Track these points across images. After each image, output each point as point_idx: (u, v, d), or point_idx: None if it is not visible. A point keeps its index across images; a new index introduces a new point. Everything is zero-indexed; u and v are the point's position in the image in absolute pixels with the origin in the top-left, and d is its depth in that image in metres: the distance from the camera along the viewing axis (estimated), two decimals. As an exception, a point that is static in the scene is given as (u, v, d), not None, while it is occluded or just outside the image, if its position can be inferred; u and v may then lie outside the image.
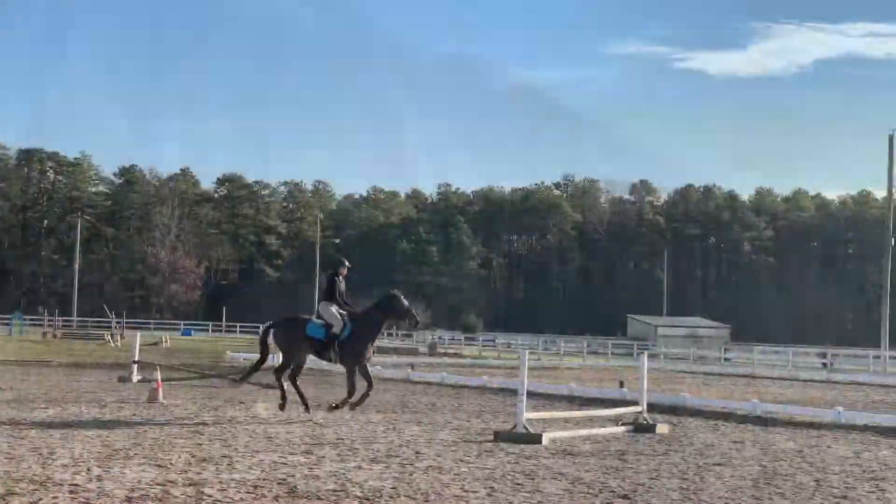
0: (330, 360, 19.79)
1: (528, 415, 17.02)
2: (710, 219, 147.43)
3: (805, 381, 44.75)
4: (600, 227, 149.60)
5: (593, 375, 42.35)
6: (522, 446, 15.77)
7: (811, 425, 21.27)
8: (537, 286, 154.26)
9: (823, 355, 62.94)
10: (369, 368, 19.75)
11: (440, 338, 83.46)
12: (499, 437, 16.62)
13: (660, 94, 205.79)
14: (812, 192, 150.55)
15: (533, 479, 12.50)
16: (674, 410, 23.64)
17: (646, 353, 24.70)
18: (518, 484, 12.04)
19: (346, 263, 20.17)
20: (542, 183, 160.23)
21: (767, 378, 46.09)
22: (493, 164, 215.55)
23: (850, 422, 21.63)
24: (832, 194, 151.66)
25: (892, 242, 65.95)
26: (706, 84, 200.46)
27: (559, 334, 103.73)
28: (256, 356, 21.30)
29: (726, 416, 22.72)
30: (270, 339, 20.24)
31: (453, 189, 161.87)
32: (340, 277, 19.80)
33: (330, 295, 19.64)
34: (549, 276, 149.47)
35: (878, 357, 57.89)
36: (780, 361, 60.41)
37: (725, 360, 65.21)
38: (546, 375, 39.80)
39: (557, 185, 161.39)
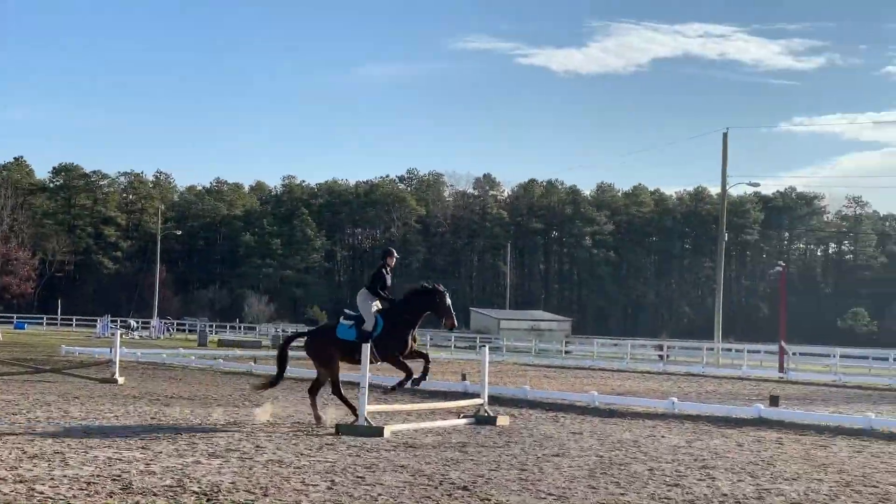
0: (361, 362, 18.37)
1: (370, 408, 17.01)
2: (552, 213, 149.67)
3: (642, 372, 45.84)
4: (444, 220, 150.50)
5: (436, 368, 42.42)
6: (364, 439, 15.75)
7: (647, 416, 21.79)
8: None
9: (660, 347, 64.57)
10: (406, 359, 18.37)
11: (283, 331, 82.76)
12: (341, 430, 16.57)
13: (504, 89, 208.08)
14: (651, 188, 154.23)
15: (374, 471, 12.49)
16: (515, 402, 23.93)
17: (487, 346, 24.97)
18: (359, 477, 12.01)
19: (395, 253, 18.90)
20: (387, 176, 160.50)
21: (607, 370, 47.05)
22: (338, 157, 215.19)
23: (684, 412, 22.24)
24: (670, 190, 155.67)
25: (726, 237, 68.02)
26: (549, 80, 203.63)
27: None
28: (91, 350, 20.71)
29: (566, 408, 23.11)
30: (302, 352, 19.12)
31: (298, 181, 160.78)
32: (388, 269, 18.32)
33: (374, 287, 18.11)
34: (394, 270, 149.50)
35: (711, 349, 59.64)
36: (619, 354, 61.75)
37: (566, 352, 66.28)
38: (388, 369, 39.79)
39: (402, 179, 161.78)
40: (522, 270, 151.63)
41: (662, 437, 17.93)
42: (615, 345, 68.02)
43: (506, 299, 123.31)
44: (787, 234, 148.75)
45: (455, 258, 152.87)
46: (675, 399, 23.78)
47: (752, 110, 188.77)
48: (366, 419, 16.53)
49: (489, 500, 10.82)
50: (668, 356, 60.58)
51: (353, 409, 17.51)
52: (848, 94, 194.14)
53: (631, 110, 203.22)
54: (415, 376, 18.01)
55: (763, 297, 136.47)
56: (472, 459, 13.96)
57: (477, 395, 20.55)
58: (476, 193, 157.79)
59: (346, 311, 18.37)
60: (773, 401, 24.56)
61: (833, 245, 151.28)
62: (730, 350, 62.85)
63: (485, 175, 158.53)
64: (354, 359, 17.60)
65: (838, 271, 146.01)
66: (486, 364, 20.19)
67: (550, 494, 11.31)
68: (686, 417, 21.44)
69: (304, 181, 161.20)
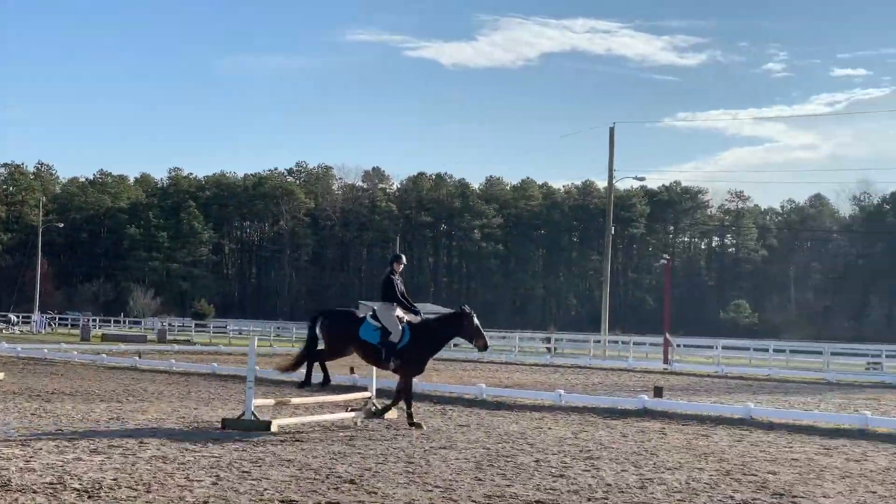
0: (384, 367, 17.94)
1: (258, 402, 16.86)
2: (441, 206, 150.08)
3: (530, 365, 46.27)
4: (333, 213, 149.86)
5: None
6: (251, 434, 15.62)
7: (534, 408, 21.98)
8: (270, 272, 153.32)
9: (548, 340, 65.16)
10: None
11: (170, 325, 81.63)
12: (227, 424, 16.40)
13: (393, 82, 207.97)
14: (539, 182, 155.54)
15: (260, 466, 12.39)
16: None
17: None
18: (245, 472, 11.90)
19: (403, 258, 18.40)
20: (276, 169, 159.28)
21: (495, 363, 47.39)
22: (226, 149, 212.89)
23: (570, 404, 22.48)
24: (558, 184, 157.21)
25: (612, 231, 68.92)
26: (438, 73, 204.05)
27: (291, 321, 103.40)
28: None
29: (454, 401, 23.20)
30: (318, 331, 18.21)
31: (185, 174, 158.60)
32: (397, 275, 17.85)
33: (391, 296, 17.67)
34: (283, 263, 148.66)
35: (598, 341, 60.40)
36: (507, 346, 62.14)
37: (455, 345, 66.37)
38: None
39: (290, 172, 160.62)
40: (411, 263, 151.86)
41: (549, 428, 18.11)
42: (503, 337, 68.37)
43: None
44: (672, 227, 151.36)
45: (344, 251, 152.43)
46: (561, 391, 24.03)
47: (638, 105, 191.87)
48: (252, 413, 16.38)
49: (376, 493, 10.81)
50: (555, 349, 61.17)
51: (326, 376, 18.12)
52: (730, 91, 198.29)
53: (520, 104, 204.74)
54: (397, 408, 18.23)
55: (649, 290, 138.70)
56: (359, 453, 13.93)
57: (364, 389, 20.53)
58: (365, 186, 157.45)
59: (375, 307, 18.00)
60: (657, 392, 24.97)
61: (716, 238, 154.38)
62: (616, 342, 63.71)
63: (374, 168, 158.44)
64: (370, 359, 17.92)
65: (721, 264, 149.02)
66: (375, 357, 20.15)
67: (437, 487, 11.33)
68: (572, 409, 21.68)
69: (191, 173, 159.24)
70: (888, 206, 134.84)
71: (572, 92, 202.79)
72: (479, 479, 11.90)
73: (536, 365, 46.38)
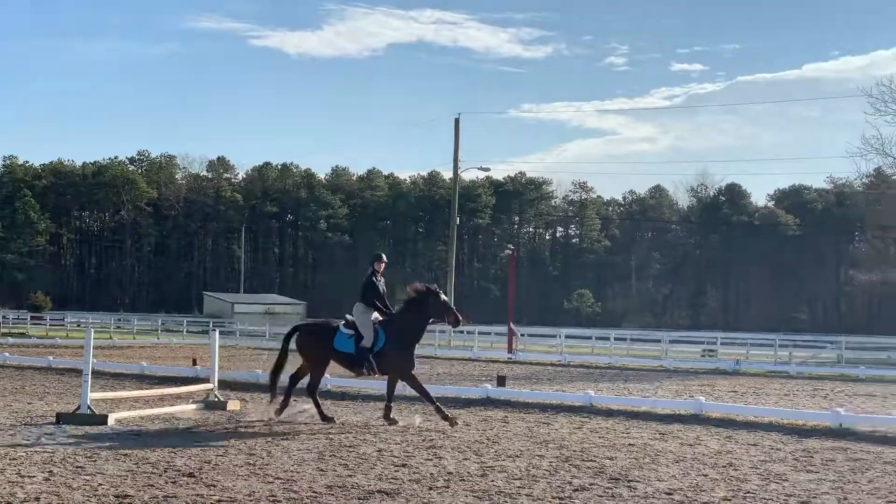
0: (364, 374, 17.39)
1: (94, 395, 16.47)
2: (287, 197, 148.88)
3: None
4: (177, 203, 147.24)
5: (167, 353, 41.69)
6: (87, 428, 15.23)
7: (378, 398, 21.94)
8: (111, 263, 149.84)
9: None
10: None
11: (5, 317, 79.03)
12: (62, 419, 15.94)
13: (237, 71, 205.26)
14: (385, 172, 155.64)
15: (95, 461, 12.08)
16: (247, 387, 23.67)
17: (217, 330, 24.61)
18: (79, 467, 11.59)
19: (383, 257, 17.67)
20: (116, 158, 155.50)
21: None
22: (63, 137, 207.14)
23: (415, 394, 22.46)
24: (405, 174, 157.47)
25: (458, 221, 69.38)
26: (284, 63, 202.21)
27: (133, 312, 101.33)
28: None
29: (298, 391, 23.01)
30: (292, 345, 17.67)
31: (20, 162, 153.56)
32: (379, 275, 17.20)
33: (369, 298, 17.00)
34: (124, 253, 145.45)
35: (443, 331, 60.73)
36: (353, 336, 61.95)
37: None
38: (118, 354, 38.75)
39: (132, 161, 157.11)
40: (257, 254, 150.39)
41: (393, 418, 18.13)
42: (350, 328, 68.14)
43: (240, 283, 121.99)
44: (517, 218, 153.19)
45: (188, 242, 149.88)
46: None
47: (484, 97, 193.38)
48: (88, 407, 15.97)
49: (215, 485, 10.65)
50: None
51: (323, 414, 17.12)
52: (573, 83, 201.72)
53: (366, 95, 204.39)
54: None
55: (494, 280, 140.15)
56: (199, 445, 13.71)
57: (207, 380, 20.23)
58: (210, 176, 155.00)
59: (348, 316, 17.22)
60: (501, 381, 25.25)
61: (560, 229, 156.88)
62: (462, 332, 64.18)
63: (219, 158, 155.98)
64: (352, 369, 17.37)
65: (565, 254, 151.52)
66: (216, 348, 19.92)
67: (278, 478, 11.23)
68: (417, 399, 21.72)
69: (26, 161, 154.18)
70: (724, 198, 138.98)
71: (418, 83, 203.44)
72: (321, 470, 11.84)
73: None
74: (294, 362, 18.08)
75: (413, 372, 17.13)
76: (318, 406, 17.31)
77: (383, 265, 17.31)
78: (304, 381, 17.80)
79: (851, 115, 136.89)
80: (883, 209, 67.48)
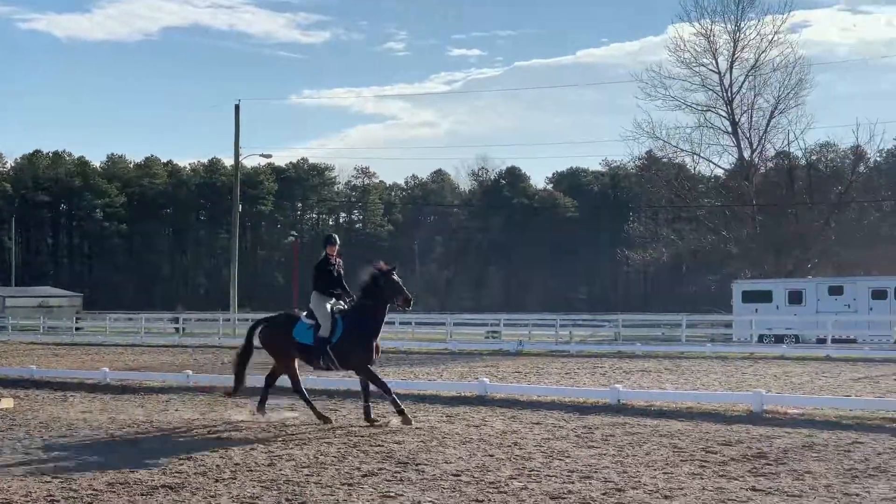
0: (323, 368, 15.88)
1: None
2: (60, 185, 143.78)
3: (158, 346, 45.26)
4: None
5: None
6: None
7: (161, 390, 21.50)
8: None
9: (176, 320, 64.01)
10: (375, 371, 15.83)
11: None
12: None
13: (4, 55, 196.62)
14: (164, 160, 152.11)
15: None
16: (20, 383, 22.83)
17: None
18: None
19: (336, 239, 16.38)
20: None
21: (120, 346, 46.03)
22: None
23: (200, 384, 22.13)
24: (184, 162, 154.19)
25: (240, 209, 68.51)
26: (53, 46, 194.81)
27: None
28: None
29: (76, 387, 22.32)
30: (256, 339, 16.29)
31: None
32: (332, 259, 15.91)
33: (323, 285, 15.73)
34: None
35: (228, 320, 59.96)
36: (134, 328, 60.52)
37: (77, 329, 64.00)
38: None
39: None
40: (29, 245, 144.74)
41: (176, 410, 17.77)
42: (129, 319, 66.51)
43: (11, 276, 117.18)
44: (300, 204, 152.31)
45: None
46: (190, 371, 23.66)
47: (264, 82, 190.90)
48: None
49: (-12, 489, 10.19)
50: (184, 329, 60.19)
51: (316, 411, 15.92)
52: (353, 69, 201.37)
53: (142, 80, 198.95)
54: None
55: (278, 267, 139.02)
56: (-30, 447, 13.09)
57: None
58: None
59: (311, 306, 15.91)
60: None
61: (344, 214, 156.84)
62: (246, 320, 63.39)
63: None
64: (311, 363, 15.84)
65: (349, 240, 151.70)
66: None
67: (57, 477, 10.85)
68: (202, 390, 21.36)
69: None
70: (504, 181, 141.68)
71: (196, 68, 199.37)
72: (101, 466, 11.48)
73: (164, 346, 45.44)
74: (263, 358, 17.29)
75: (369, 364, 15.62)
76: (310, 405, 16.12)
77: (336, 248, 16.09)
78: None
79: (624, 100, 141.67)
80: (654, 190, 69.97)
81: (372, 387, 15.67)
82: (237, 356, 16.74)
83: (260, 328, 16.48)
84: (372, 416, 15.56)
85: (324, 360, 15.50)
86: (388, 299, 15.53)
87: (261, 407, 16.19)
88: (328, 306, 15.49)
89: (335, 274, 15.86)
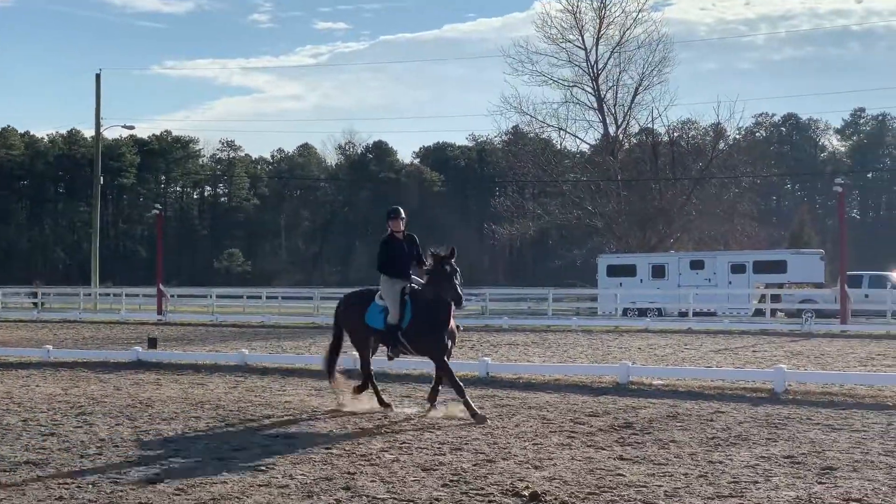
0: (395, 355, 14.20)
1: None
2: None
3: (16, 321, 44.07)
4: None
5: None
6: None
7: (21, 366, 20.96)
8: None
9: (34, 295, 62.39)
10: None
11: None
12: None
13: None
14: (21, 130, 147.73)
15: None
16: None
17: None
18: None
19: (399, 212, 14.03)
20: None
21: (-24, 321, 44.68)
22: None
23: (60, 359, 21.64)
24: (42, 132, 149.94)
25: (101, 181, 67.02)
26: None
27: None
28: None
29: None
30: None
31: None
32: (396, 235, 13.89)
33: (388, 265, 13.73)
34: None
35: (88, 294, 58.70)
36: (-10, 303, 58.85)
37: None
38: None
39: None
40: None
41: (37, 386, 17.34)
42: (-14, 294, 64.58)
43: None
44: (163, 177, 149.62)
45: None
46: (49, 347, 23.13)
47: (125, 52, 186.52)
48: None
49: None
50: (42, 303, 58.73)
51: (381, 397, 14.28)
52: (218, 40, 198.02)
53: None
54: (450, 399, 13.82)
55: (141, 241, 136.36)
56: None
57: None
58: None
59: (380, 288, 14.10)
60: (152, 343, 24.72)
61: (209, 188, 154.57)
62: (108, 295, 62.28)
63: None
64: (388, 347, 14.14)
65: (214, 214, 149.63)
66: None
67: (-89, 457, 10.46)
68: (62, 365, 20.88)
69: None
70: (371, 155, 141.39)
71: (54, 36, 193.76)
72: (-40, 445, 11.12)
73: (23, 321, 44.26)
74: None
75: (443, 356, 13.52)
76: (374, 389, 14.48)
77: (400, 222, 13.91)
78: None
79: (490, 75, 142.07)
80: (521, 165, 70.61)
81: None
82: (329, 346, 15.08)
83: (338, 307, 15.06)
84: (434, 402, 13.91)
85: (392, 350, 13.97)
86: (441, 292, 13.33)
87: (335, 384, 14.78)
88: (397, 290, 13.68)
89: (399, 252, 13.81)
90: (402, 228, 13.91)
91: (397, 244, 13.81)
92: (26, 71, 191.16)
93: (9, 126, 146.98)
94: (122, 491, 8.77)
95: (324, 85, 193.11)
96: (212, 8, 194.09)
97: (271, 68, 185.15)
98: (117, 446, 11.08)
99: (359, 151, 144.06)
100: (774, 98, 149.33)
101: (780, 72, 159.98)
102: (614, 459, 10.24)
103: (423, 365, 17.07)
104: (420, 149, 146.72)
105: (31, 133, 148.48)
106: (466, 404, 13.02)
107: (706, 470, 9.71)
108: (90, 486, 8.99)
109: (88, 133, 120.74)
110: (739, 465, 9.93)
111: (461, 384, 13.35)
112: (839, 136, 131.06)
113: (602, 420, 13.05)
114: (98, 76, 64.32)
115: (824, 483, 9.06)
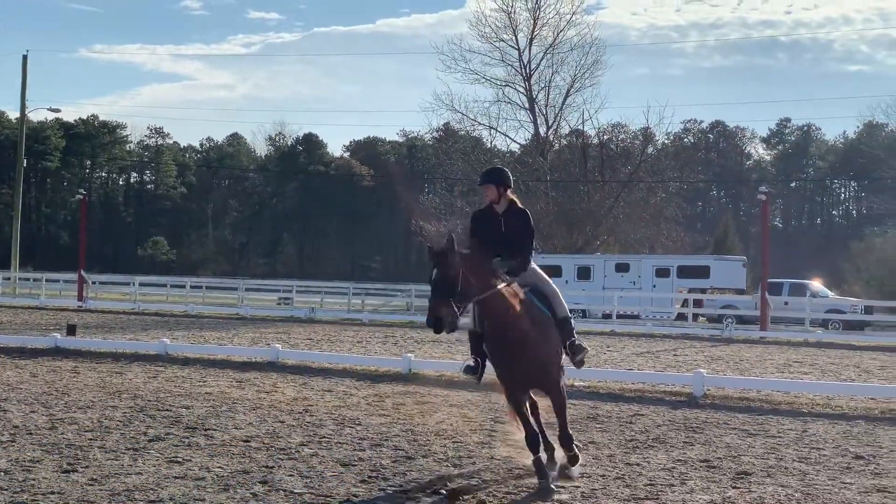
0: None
1: None
2: None
3: (-69, 304, 43.20)
4: None
5: None
6: None
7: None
8: None
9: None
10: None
11: None
12: None
13: None
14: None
15: None
16: None
17: None
18: None
19: (499, 175, 9.87)
20: None
21: None
22: None
23: None
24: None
25: (25, 164, 65.95)
26: None
27: None
28: None
29: None
30: None
31: None
32: (488, 210, 9.78)
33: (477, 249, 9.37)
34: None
35: (8, 278, 57.80)
36: None
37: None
38: None
39: None
40: None
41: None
42: None
43: None
44: (89, 162, 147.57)
45: None
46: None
47: (52, 35, 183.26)
48: None
49: None
50: (-40, 286, 57.66)
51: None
52: (148, 26, 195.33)
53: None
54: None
55: (64, 226, 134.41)
56: None
57: None
58: None
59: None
60: (71, 330, 24.36)
61: (135, 174, 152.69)
62: (28, 279, 61.30)
63: None
64: None
65: (140, 201, 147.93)
66: None
67: None
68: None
69: None
70: (301, 147, 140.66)
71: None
72: None
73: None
74: None
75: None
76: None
77: (490, 190, 9.74)
78: None
79: (423, 71, 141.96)
80: (451, 163, 70.62)
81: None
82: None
83: None
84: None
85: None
86: None
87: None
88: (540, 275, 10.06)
89: (497, 230, 9.69)
90: (497, 199, 9.72)
91: (487, 221, 9.79)
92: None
93: None
94: (34, 480, 8.62)
95: (255, 75, 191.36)
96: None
97: (202, 56, 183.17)
98: (31, 434, 10.90)
99: (289, 143, 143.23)
100: (703, 105, 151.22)
101: (708, 79, 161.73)
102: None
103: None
104: (350, 142, 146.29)
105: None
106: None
107: (624, 472, 9.78)
108: (2, 473, 8.83)
109: (12, 114, 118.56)
110: (656, 468, 10.02)
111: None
112: (765, 145, 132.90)
113: (522, 419, 13.07)
114: (25, 57, 63.42)
115: (739, 488, 9.18)
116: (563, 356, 9.94)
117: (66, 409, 12.75)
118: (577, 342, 10.06)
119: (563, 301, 10.22)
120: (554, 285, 10.21)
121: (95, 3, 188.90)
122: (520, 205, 9.88)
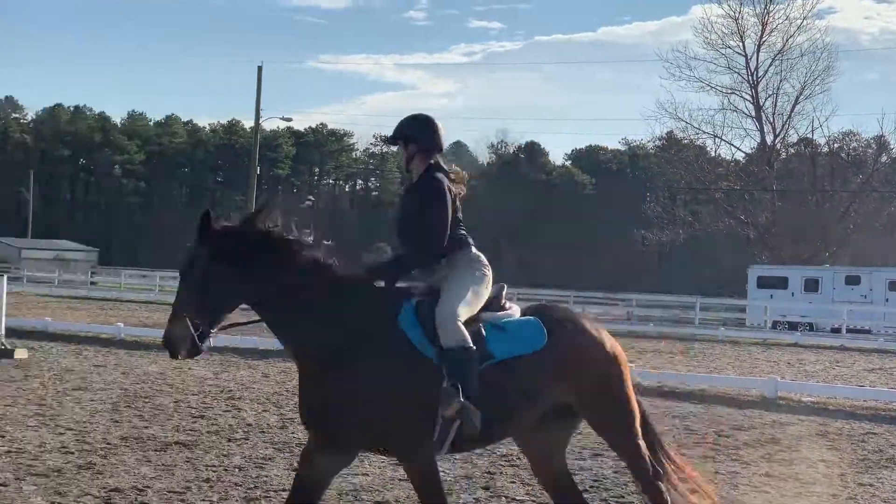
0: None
1: None
2: (80, 140, 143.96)
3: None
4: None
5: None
6: None
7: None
8: None
9: (188, 279, 63.98)
10: None
11: None
12: None
13: (27, 7, 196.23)
14: (184, 119, 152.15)
15: None
16: (35, 335, 22.79)
17: (5, 276, 23.51)
18: None
19: (402, 130, 7.57)
20: None
21: (135, 302, 46.10)
22: None
23: (212, 343, 22.10)
24: (204, 121, 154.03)
25: (258, 171, 68.49)
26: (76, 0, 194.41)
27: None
28: None
29: (90, 340, 22.35)
30: None
31: None
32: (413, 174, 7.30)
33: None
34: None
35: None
36: (148, 285, 60.71)
37: (92, 283, 64.25)
38: None
39: None
40: (47, 198, 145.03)
41: (189, 369, 17.74)
42: (144, 276, 66.71)
43: (28, 228, 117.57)
44: (317, 169, 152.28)
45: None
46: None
47: (284, 46, 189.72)
48: None
49: (3, 436, 10.21)
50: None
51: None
52: (373, 36, 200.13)
53: (164, 39, 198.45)
54: None
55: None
56: (-15, 396, 13.14)
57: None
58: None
59: None
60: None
61: (361, 182, 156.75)
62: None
63: (7, 97, 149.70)
64: None
65: (364, 207, 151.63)
66: (4, 294, 19.09)
67: (70, 429, 10.86)
68: (215, 349, 21.32)
69: None
70: (523, 156, 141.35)
71: (219, 28, 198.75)
72: (116, 421, 11.51)
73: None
74: None
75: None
76: None
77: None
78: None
79: (643, 80, 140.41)
80: (673, 172, 69.70)
81: None
82: None
83: None
84: None
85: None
86: None
87: None
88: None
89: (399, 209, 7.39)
90: (407, 164, 7.43)
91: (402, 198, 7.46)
92: (189, 62, 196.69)
93: (173, 114, 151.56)
94: (266, 476, 8.91)
95: (476, 83, 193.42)
96: (368, 5, 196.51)
97: (425, 65, 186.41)
98: (263, 432, 11.28)
99: (510, 152, 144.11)
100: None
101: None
102: (760, 476, 10.04)
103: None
104: (572, 151, 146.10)
105: (194, 122, 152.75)
106: None
107: (856, 492, 9.45)
108: (237, 469, 9.16)
109: (247, 123, 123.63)
110: (890, 490, 9.64)
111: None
112: None
113: (748, 434, 12.79)
114: (259, 69, 65.79)
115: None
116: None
117: (296, 410, 13.17)
118: (450, 389, 6.12)
119: (461, 327, 6.48)
120: (471, 294, 6.99)
121: (324, 15, 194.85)
122: (435, 174, 7.05)
